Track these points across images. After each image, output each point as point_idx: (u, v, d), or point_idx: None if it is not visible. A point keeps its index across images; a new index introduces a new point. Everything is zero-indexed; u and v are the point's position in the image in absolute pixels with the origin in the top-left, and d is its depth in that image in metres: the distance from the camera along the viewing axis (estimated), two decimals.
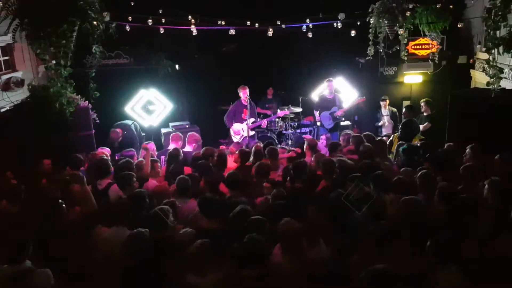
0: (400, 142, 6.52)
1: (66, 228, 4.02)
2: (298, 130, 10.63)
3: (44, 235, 3.83)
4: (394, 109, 9.41)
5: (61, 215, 4.22)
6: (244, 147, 7.22)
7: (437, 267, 3.28)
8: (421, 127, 8.20)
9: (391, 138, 7.63)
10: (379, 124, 9.39)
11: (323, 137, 8.55)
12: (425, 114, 8.44)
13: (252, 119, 9.05)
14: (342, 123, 9.89)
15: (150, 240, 3.54)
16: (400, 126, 7.33)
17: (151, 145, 7.39)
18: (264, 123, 9.37)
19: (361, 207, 3.98)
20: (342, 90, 10.26)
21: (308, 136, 8.54)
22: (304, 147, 6.49)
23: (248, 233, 3.49)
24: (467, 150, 5.70)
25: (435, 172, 5.02)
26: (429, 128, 8.14)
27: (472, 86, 9.73)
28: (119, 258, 3.57)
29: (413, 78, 10.26)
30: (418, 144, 6.32)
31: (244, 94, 8.79)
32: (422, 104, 8.46)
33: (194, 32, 8.69)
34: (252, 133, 9.15)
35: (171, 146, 7.24)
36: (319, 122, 9.69)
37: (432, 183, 4.67)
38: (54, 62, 6.21)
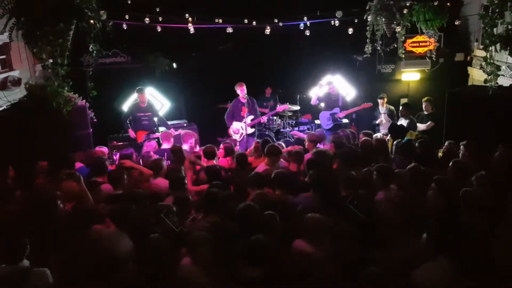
0: (399, 140, 6.54)
1: (63, 227, 4.02)
2: (296, 128, 10.62)
3: (41, 234, 3.82)
4: (392, 107, 9.41)
5: (57, 213, 4.21)
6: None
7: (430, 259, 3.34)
8: (423, 126, 8.23)
9: (388, 137, 7.64)
10: (377, 122, 9.39)
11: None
12: (426, 112, 8.43)
13: (251, 116, 8.85)
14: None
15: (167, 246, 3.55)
16: (388, 130, 7.40)
17: (153, 143, 7.39)
18: (264, 119, 9.20)
19: (365, 211, 4.00)
20: (339, 88, 10.25)
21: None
22: (306, 143, 6.49)
23: (258, 230, 3.51)
24: (461, 147, 5.73)
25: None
26: (435, 125, 8.13)
27: (470, 83, 9.75)
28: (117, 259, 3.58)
29: (410, 76, 10.29)
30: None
31: (241, 91, 8.72)
32: (424, 102, 8.44)
33: (192, 30, 8.67)
34: (251, 131, 8.94)
35: (165, 146, 7.24)
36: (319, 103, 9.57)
37: (422, 177, 4.75)
38: (51, 61, 6.18)
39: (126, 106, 9.97)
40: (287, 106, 9.68)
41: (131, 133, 8.67)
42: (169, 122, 9.89)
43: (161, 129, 8.67)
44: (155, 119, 8.64)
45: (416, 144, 6.12)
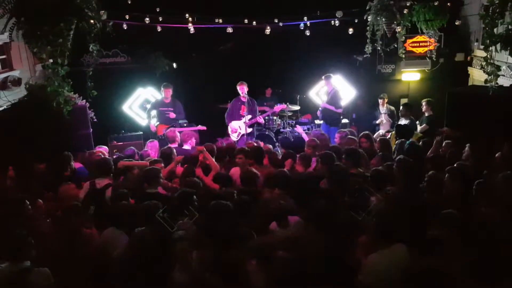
0: (402, 140, 6.51)
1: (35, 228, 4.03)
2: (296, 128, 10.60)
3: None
4: (392, 107, 9.41)
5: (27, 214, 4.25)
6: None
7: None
8: (418, 128, 8.19)
9: (388, 136, 7.64)
10: (377, 122, 9.39)
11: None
12: (426, 114, 8.34)
13: (250, 116, 8.78)
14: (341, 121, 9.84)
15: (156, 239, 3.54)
16: (395, 130, 7.36)
17: (155, 143, 7.37)
18: (261, 119, 9.15)
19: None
20: (339, 88, 10.24)
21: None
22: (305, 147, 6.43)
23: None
24: (466, 148, 5.72)
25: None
26: (430, 128, 8.09)
27: (470, 83, 9.74)
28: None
29: (410, 76, 10.28)
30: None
31: (242, 90, 8.71)
32: (424, 104, 8.36)
33: (192, 30, 8.68)
34: (249, 130, 8.90)
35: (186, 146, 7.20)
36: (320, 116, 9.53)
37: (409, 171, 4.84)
38: (51, 61, 6.17)
39: (127, 106, 9.99)
40: (285, 106, 9.66)
41: (152, 127, 8.99)
42: None
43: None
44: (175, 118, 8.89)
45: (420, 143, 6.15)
